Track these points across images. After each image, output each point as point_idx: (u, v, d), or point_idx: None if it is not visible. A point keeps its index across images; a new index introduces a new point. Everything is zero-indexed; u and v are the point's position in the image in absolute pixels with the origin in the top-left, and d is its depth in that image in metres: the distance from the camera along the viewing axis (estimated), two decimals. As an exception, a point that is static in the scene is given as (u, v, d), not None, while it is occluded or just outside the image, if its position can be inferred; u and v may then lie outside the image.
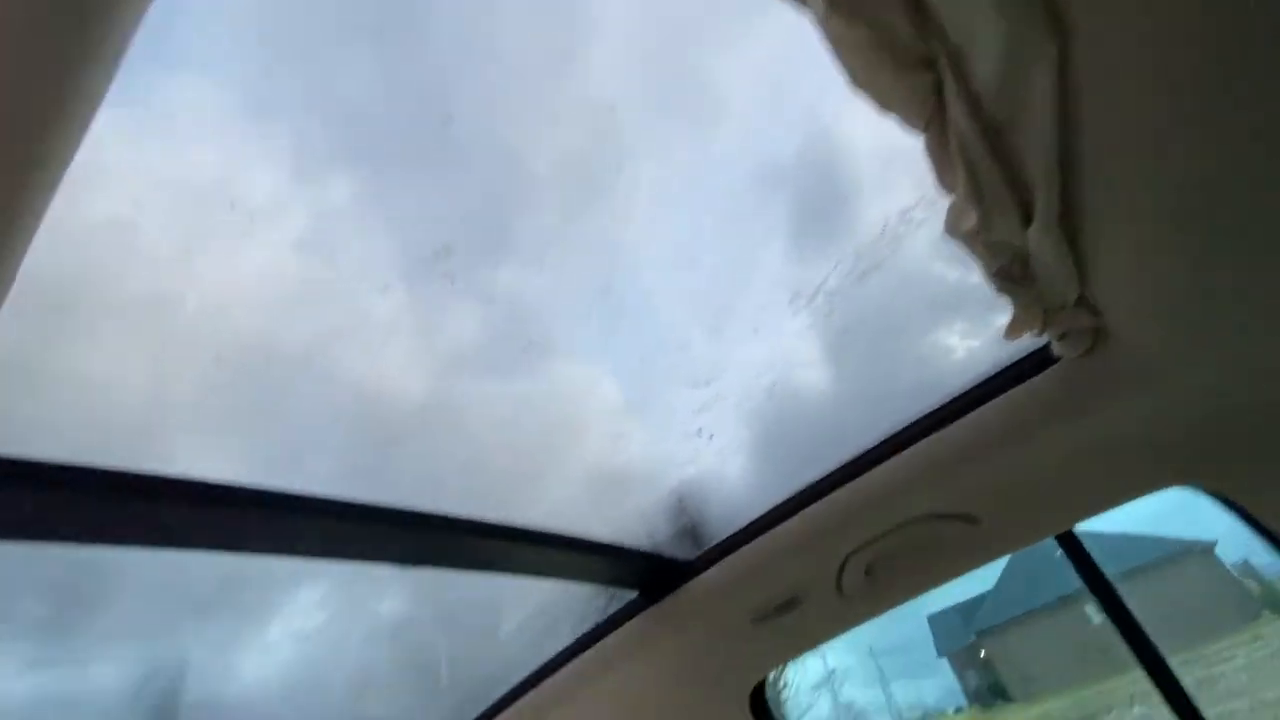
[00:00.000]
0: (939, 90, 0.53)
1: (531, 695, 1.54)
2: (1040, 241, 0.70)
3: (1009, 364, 1.08)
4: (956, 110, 0.53)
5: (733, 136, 1.03)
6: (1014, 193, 0.64)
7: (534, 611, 1.57)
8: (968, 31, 0.46)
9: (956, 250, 0.94)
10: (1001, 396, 1.07)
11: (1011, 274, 0.79)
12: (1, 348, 0.66)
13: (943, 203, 0.72)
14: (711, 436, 1.27)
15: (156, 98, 0.79)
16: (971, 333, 1.18)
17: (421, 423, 1.14)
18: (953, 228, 0.73)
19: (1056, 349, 0.96)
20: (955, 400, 1.12)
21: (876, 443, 1.19)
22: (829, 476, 1.22)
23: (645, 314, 1.19)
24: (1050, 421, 1.04)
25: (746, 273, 1.13)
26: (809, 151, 1.07)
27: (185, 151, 0.86)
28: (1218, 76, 0.47)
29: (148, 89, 0.77)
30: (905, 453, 1.14)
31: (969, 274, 1.22)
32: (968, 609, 15.29)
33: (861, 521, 1.19)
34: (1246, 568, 12.48)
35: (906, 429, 1.15)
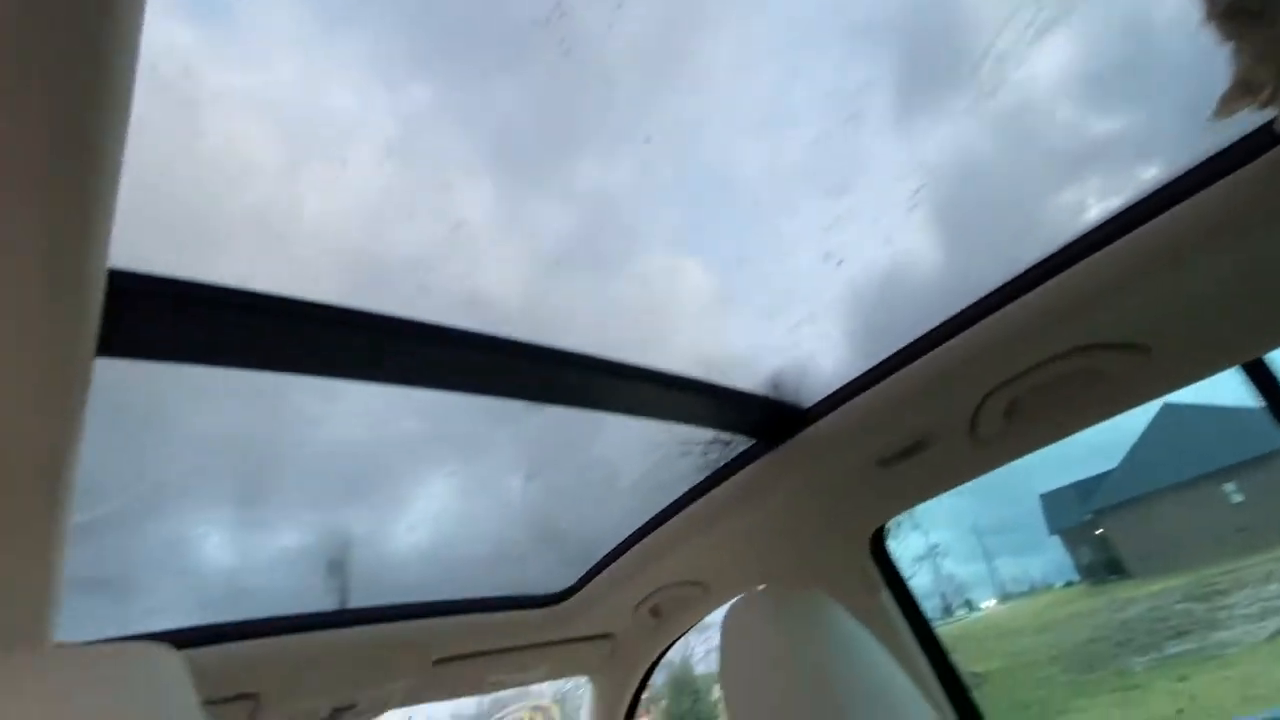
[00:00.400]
0: None
1: (649, 540, 1.63)
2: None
3: (1196, 164, 0.90)
4: None
5: None
6: None
7: (648, 470, 1.63)
8: None
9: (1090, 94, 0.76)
10: (1195, 197, 0.89)
11: (1247, 7, 0.62)
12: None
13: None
14: (808, 289, 1.18)
15: (239, 18, 0.78)
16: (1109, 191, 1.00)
17: (520, 325, 1.15)
18: (1180, -61, 0.56)
19: (1285, 123, 0.77)
20: (1126, 212, 0.95)
21: (1025, 268, 1.05)
22: (970, 308, 1.11)
23: (741, 188, 1.09)
24: (1254, 224, 0.87)
25: (849, 132, 0.99)
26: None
27: (273, 69, 0.85)
28: None
29: (228, 9, 0.77)
30: (1063, 275, 1.00)
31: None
32: (1086, 487, 14.70)
33: (1005, 357, 1.09)
34: None
35: (1063, 250, 1.01)
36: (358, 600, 1.58)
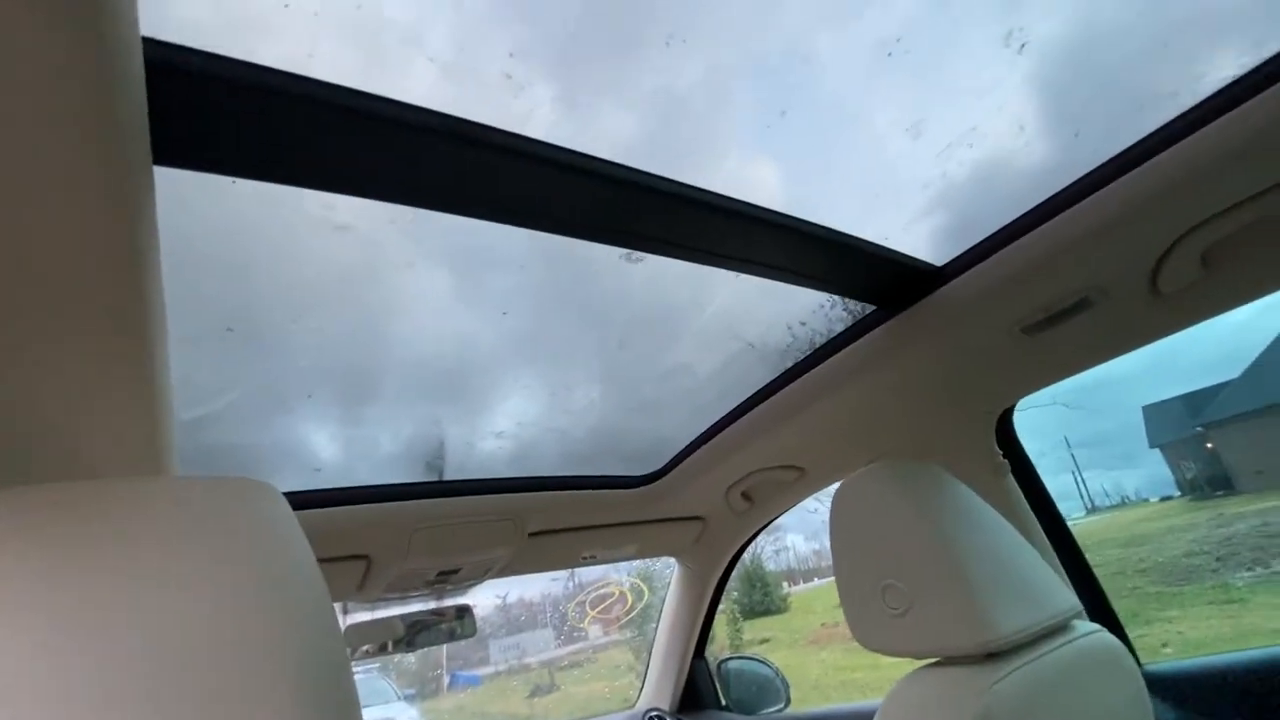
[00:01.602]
0: None
1: (744, 422, 1.54)
2: None
3: None
4: None
5: None
6: None
7: (740, 352, 1.52)
8: None
9: None
10: None
11: None
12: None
13: None
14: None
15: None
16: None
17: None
18: None
19: None
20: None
21: (1227, 83, 0.81)
22: (1159, 131, 0.88)
23: (821, 88, 0.88)
24: None
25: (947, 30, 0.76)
26: None
27: None
28: None
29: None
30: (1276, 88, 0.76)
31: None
32: (1195, 399, 13.60)
33: (1210, 187, 0.87)
34: None
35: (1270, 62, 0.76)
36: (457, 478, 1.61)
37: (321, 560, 0.54)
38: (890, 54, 0.80)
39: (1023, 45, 0.78)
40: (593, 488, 1.73)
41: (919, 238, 1.15)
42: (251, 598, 0.38)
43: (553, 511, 1.69)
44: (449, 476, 1.62)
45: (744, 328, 1.45)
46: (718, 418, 1.65)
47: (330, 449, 1.51)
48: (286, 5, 0.60)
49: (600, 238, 0.89)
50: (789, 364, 1.46)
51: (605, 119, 0.91)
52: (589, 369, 1.61)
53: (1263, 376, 12.28)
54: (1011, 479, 1.41)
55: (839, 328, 1.35)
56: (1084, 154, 0.96)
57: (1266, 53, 0.80)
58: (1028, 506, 1.41)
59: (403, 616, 1.76)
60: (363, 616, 1.78)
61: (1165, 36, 0.83)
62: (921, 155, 0.98)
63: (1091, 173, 0.95)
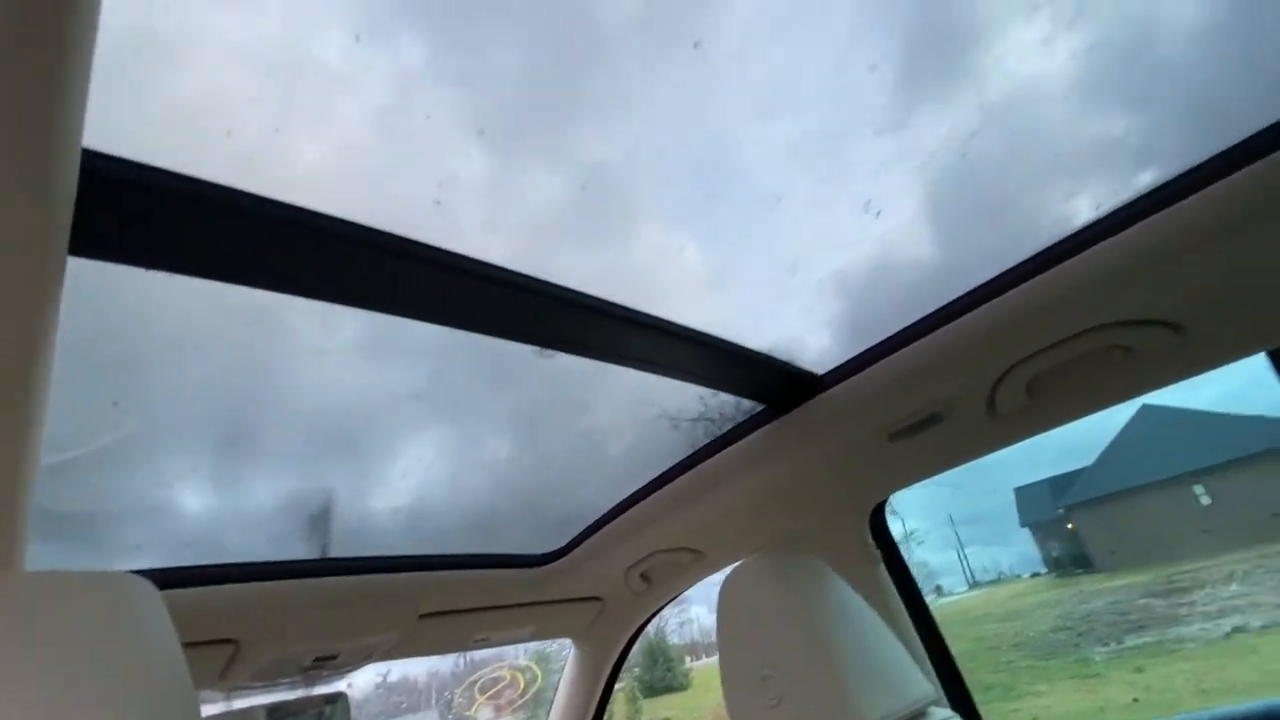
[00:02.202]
0: None
1: (646, 504, 1.59)
2: None
3: (1247, 136, 0.85)
4: None
5: None
6: None
7: (639, 440, 1.59)
8: None
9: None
10: (1251, 167, 0.85)
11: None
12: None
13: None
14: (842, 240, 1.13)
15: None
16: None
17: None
18: None
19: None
20: (1166, 185, 0.91)
21: (1061, 238, 1.01)
22: (996, 279, 1.06)
23: (745, 157, 1.03)
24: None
25: (856, 111, 0.93)
26: None
27: (257, 17, 0.78)
28: None
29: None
30: (1099, 246, 0.96)
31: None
32: (1060, 483, 15.02)
33: (1033, 328, 1.05)
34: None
35: (1102, 220, 0.96)
36: (343, 552, 1.54)
37: (186, 645, 0.53)
38: (770, 210, 0.93)
39: (879, 212, 0.94)
40: (491, 566, 1.70)
41: (806, 348, 1.29)
42: (100, 699, 0.37)
43: (447, 592, 1.65)
44: (335, 553, 1.54)
45: (649, 409, 1.53)
46: (621, 498, 1.69)
47: (202, 517, 1.41)
48: (229, 132, 0.64)
49: (507, 336, 0.94)
50: (690, 449, 1.54)
51: (532, 185, 0.99)
52: (495, 442, 1.62)
53: (1110, 465, 13.81)
54: (883, 567, 1.53)
55: (741, 418, 1.45)
56: (936, 292, 1.13)
57: (1080, 222, 0.99)
58: (897, 594, 1.53)
59: (265, 706, 1.61)
60: (213, 709, 1.62)
61: (998, 206, 1.02)
62: (801, 286, 1.12)
63: (940, 309, 1.11)
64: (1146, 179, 0.92)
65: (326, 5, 0.80)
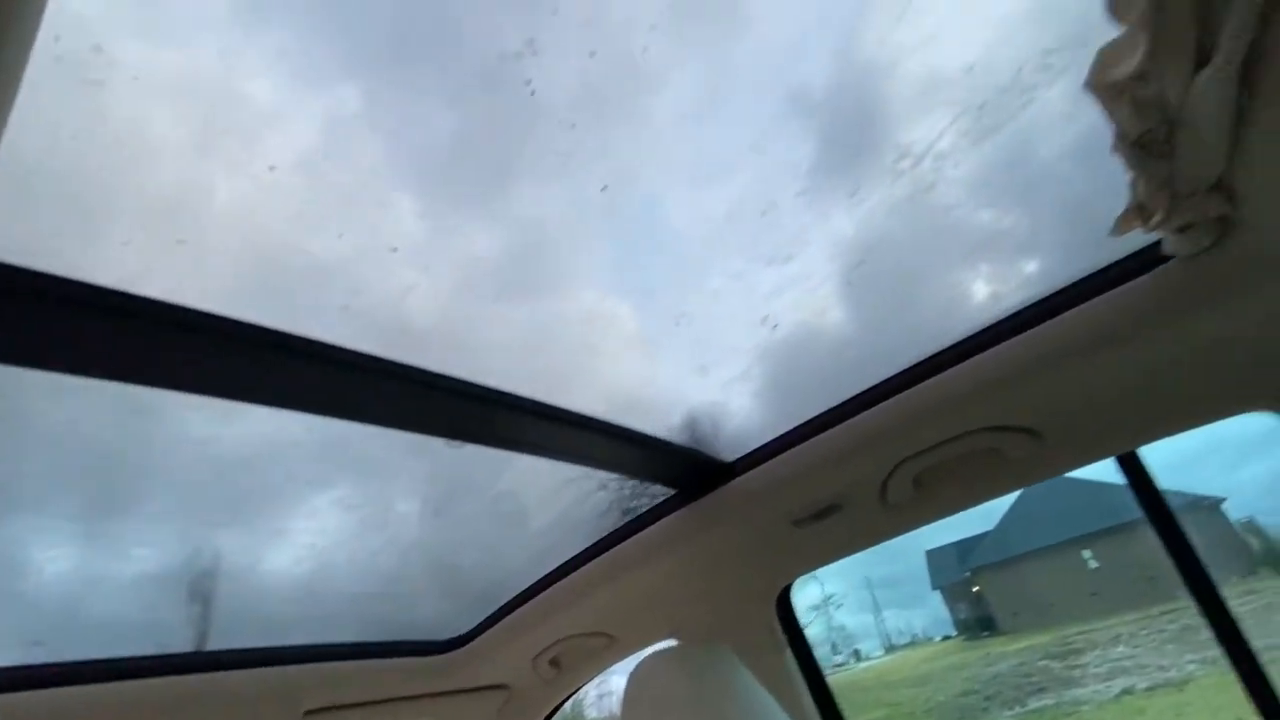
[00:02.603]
0: None
1: (555, 588, 1.57)
2: (1206, 94, 0.60)
3: (1097, 269, 1.00)
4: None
5: (763, 52, 0.91)
6: (1199, 24, 0.53)
7: (559, 515, 1.58)
8: None
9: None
10: (1090, 302, 0.99)
11: (1152, 143, 0.70)
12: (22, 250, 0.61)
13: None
14: (743, 347, 1.20)
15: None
16: (1009, 257, 1.10)
17: (434, 344, 1.10)
18: (1103, 75, 0.63)
19: (1170, 245, 0.87)
20: (1031, 306, 1.04)
21: (937, 350, 1.12)
22: (883, 383, 1.16)
23: (668, 220, 1.09)
24: (1142, 329, 0.96)
25: (778, 192, 1.02)
26: (843, 78, 0.95)
27: (190, 51, 0.79)
28: None
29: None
30: (970, 361, 1.07)
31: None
32: (966, 547, 15.73)
33: (915, 430, 1.14)
34: (1250, 525, 12.58)
35: (972, 337, 1.08)
36: (221, 639, 1.40)
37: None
38: (677, 323, 0.99)
39: (775, 326, 1.02)
40: (388, 655, 1.60)
41: (718, 436, 1.33)
42: None
43: (338, 685, 1.53)
44: (210, 635, 1.41)
45: (560, 493, 1.51)
46: (533, 579, 1.65)
47: (61, 584, 1.26)
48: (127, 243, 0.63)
49: (412, 430, 0.93)
50: (604, 532, 1.53)
51: (469, 239, 0.99)
52: (404, 506, 1.54)
53: (1011, 529, 14.65)
54: (789, 652, 1.56)
55: (652, 503, 1.47)
56: (839, 388, 1.21)
57: (940, 344, 1.10)
58: (801, 679, 1.55)
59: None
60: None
61: (893, 310, 1.13)
62: (711, 383, 1.19)
63: (838, 406, 1.19)
64: (1020, 298, 1.04)
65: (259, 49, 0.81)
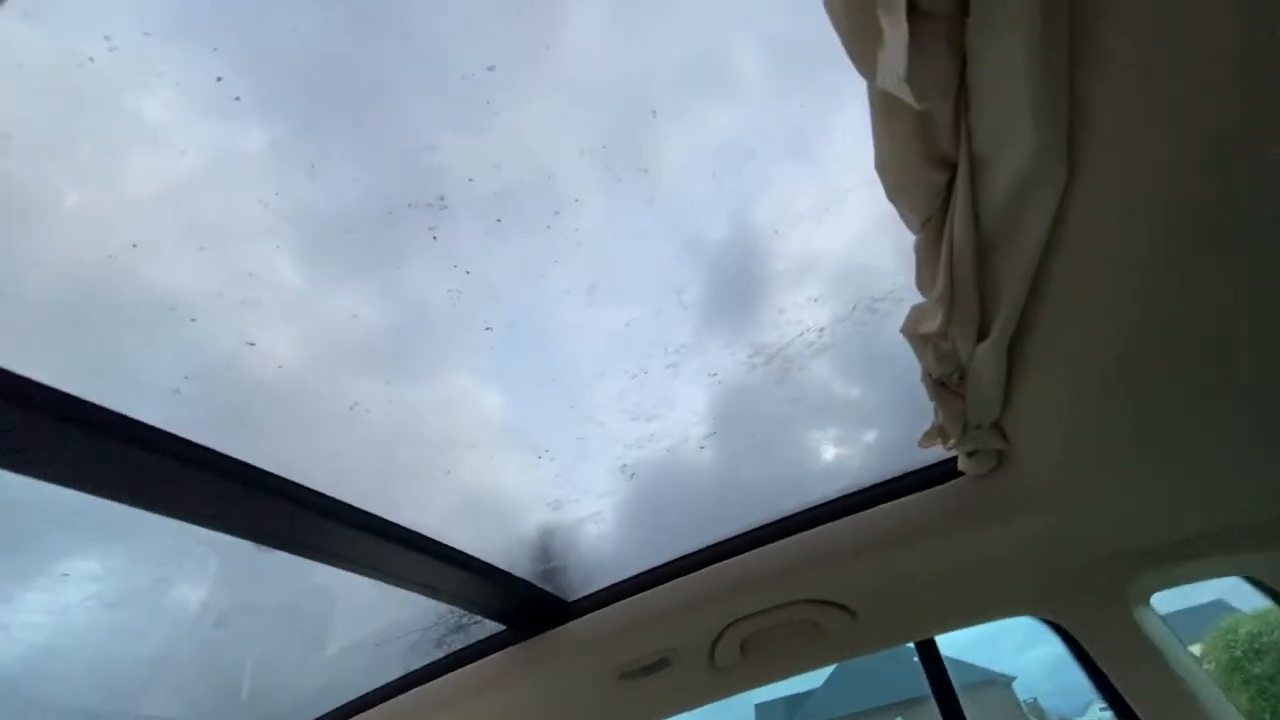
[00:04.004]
0: (948, 192, 0.57)
1: (374, 712, 1.38)
2: (985, 358, 0.75)
3: (910, 470, 1.15)
4: (959, 216, 0.57)
5: (668, 199, 0.96)
6: (981, 308, 0.68)
7: (362, 639, 1.43)
8: (996, 142, 0.50)
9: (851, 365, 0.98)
10: (900, 500, 1.12)
11: (948, 384, 0.85)
12: None
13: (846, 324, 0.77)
14: (598, 490, 1.22)
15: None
16: (844, 441, 1.23)
17: (287, 398, 1.03)
18: (913, 327, 0.77)
19: (963, 464, 1.03)
20: (853, 494, 1.16)
21: (770, 520, 1.21)
22: (719, 544, 1.22)
23: (550, 347, 1.11)
24: (940, 531, 1.10)
25: (656, 334, 1.09)
26: (736, 238, 1.05)
27: (78, 45, 0.76)
28: (1181, 262, 0.53)
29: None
30: (797, 536, 1.16)
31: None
32: (795, 702, 15.77)
33: (744, 595, 1.19)
34: (1035, 706, 13.76)
35: (800, 513, 1.19)
36: None
37: None
38: (539, 457, 1.00)
39: (633, 474, 1.06)
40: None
41: (559, 573, 1.30)
42: None
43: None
44: None
45: (385, 609, 1.38)
46: (336, 705, 1.43)
47: None
48: None
49: (213, 527, 0.83)
50: (416, 661, 1.39)
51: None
52: (162, 607, 1.29)
53: (835, 689, 14.98)
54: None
55: (480, 630, 1.36)
56: (673, 548, 1.24)
57: (774, 515, 1.19)
58: None
59: None
60: None
61: (726, 489, 1.20)
62: (564, 518, 1.18)
63: (671, 562, 1.22)
64: (832, 488, 1.15)
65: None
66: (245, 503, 0.80)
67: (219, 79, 0.78)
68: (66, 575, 1.11)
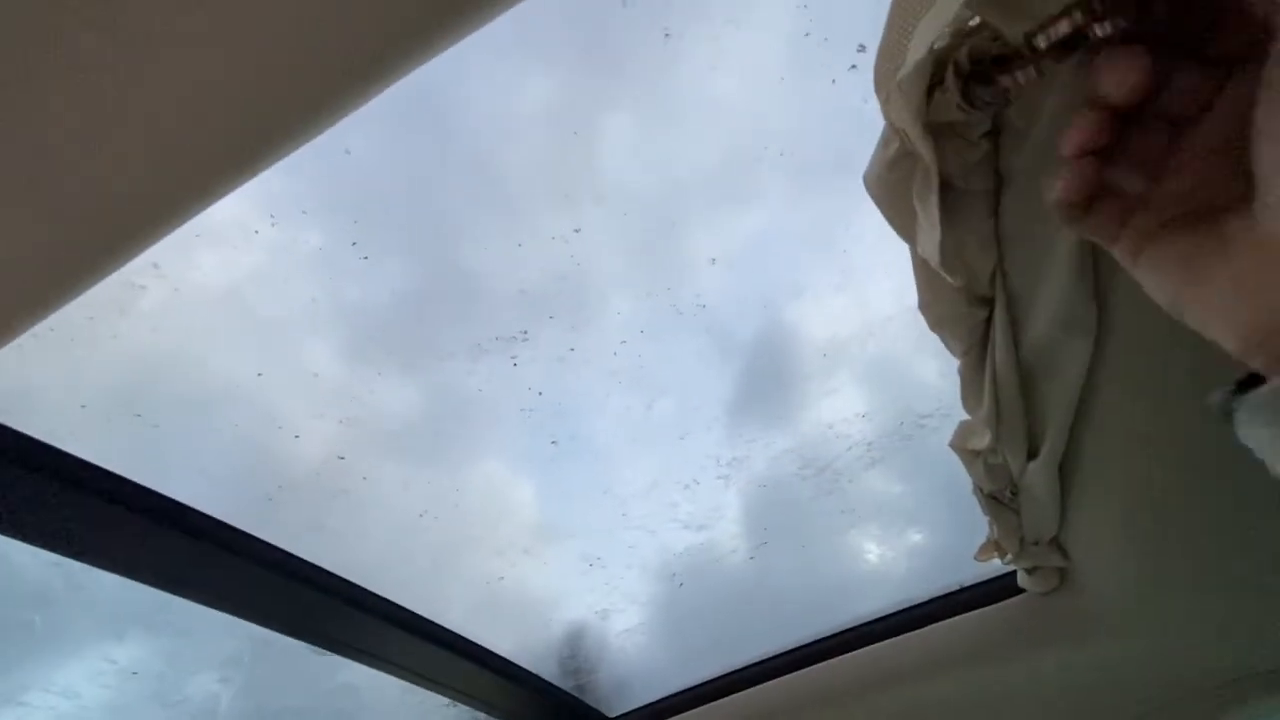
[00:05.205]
0: (988, 325, 0.61)
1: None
2: (1037, 477, 0.75)
3: (966, 585, 1.11)
4: (1000, 347, 0.60)
5: (705, 290, 1.01)
6: (1029, 430, 0.70)
7: None
8: (1032, 280, 0.54)
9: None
10: (957, 617, 1.08)
11: (1002, 498, 0.84)
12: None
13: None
14: (644, 599, 1.21)
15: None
16: (894, 554, 1.20)
17: (305, 500, 1.07)
18: (961, 442, 0.78)
19: (1023, 580, 0.99)
20: (907, 610, 1.12)
21: (823, 635, 1.17)
22: (767, 661, 1.18)
23: (607, 459, 1.13)
24: (1002, 652, 1.05)
25: (709, 447, 1.10)
26: (785, 361, 1.08)
27: None
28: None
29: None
30: (849, 655, 1.12)
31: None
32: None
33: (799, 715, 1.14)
34: None
35: (852, 629, 1.15)
36: None
37: None
38: (591, 565, 1.02)
39: (681, 584, 1.06)
40: None
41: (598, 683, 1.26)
42: None
43: None
44: None
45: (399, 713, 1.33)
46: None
47: None
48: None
49: (242, 615, 0.84)
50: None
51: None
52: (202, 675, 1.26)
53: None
54: None
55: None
56: (706, 662, 1.20)
57: (817, 634, 1.15)
58: None
59: None
60: None
61: (775, 601, 1.18)
62: (610, 628, 1.17)
63: (717, 679, 1.18)
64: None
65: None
66: (279, 591, 0.82)
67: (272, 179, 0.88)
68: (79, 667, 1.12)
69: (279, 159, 0.40)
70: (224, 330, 0.97)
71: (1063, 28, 0.27)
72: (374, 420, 1.04)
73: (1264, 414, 0.28)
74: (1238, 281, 0.28)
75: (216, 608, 0.82)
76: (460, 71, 0.84)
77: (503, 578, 1.10)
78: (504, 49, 0.82)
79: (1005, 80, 0.32)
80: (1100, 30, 0.26)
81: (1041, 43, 0.28)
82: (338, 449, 1.02)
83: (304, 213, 0.90)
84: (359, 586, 0.88)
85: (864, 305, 1.00)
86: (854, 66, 0.69)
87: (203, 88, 0.33)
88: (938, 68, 0.38)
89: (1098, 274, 0.51)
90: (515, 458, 1.07)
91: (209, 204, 0.41)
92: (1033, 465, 0.74)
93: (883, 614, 1.12)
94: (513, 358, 0.87)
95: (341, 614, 0.89)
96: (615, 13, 0.66)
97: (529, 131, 0.91)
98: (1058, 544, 0.90)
